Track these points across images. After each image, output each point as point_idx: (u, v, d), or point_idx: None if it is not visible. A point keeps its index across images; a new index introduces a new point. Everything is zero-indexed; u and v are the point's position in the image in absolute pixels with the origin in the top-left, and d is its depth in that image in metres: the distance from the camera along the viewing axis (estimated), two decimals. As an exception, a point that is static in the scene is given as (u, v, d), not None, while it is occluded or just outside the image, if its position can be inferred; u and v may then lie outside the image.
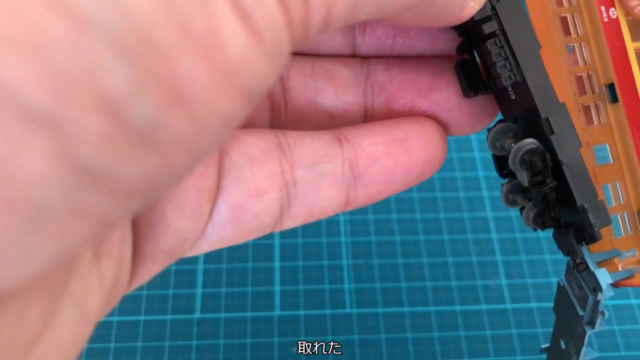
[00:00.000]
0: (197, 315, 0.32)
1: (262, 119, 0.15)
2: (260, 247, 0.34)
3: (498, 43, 0.14)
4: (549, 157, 0.14)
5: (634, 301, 0.34)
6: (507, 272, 0.34)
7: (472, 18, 0.14)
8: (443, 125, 0.16)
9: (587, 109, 0.18)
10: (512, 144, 0.14)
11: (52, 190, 0.07)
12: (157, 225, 0.13)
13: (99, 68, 0.07)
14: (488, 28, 0.14)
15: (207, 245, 0.14)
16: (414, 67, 0.16)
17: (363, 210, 0.36)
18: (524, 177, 0.14)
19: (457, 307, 0.33)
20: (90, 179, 0.08)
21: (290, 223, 0.14)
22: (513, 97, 0.15)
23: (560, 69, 0.17)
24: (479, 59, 0.15)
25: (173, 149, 0.08)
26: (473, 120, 0.16)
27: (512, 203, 0.15)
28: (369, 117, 0.16)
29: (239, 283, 0.33)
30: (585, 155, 0.17)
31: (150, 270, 0.13)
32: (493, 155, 0.16)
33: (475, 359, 0.31)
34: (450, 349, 0.32)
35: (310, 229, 0.35)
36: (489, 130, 0.15)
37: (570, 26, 0.17)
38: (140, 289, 0.33)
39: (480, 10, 0.13)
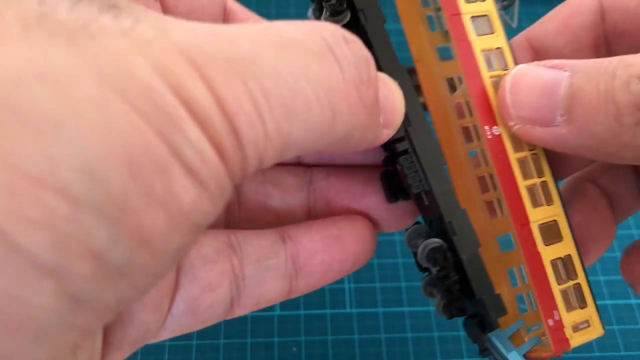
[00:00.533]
0: (197, 315, 0.32)
1: (218, 220, 0.17)
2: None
3: (410, 158, 0.17)
4: (449, 254, 0.17)
5: (633, 301, 0.34)
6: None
7: (390, 139, 0.16)
8: (373, 224, 0.18)
9: (490, 204, 0.20)
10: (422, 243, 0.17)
11: (54, 316, 0.10)
12: (123, 320, 0.15)
13: (88, 231, 0.10)
14: (401, 147, 0.17)
15: (167, 333, 0.16)
16: (349, 175, 0.19)
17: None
18: (432, 271, 0.17)
19: (457, 307, 0.33)
20: (80, 304, 0.10)
21: (239, 311, 0.17)
22: (427, 203, 0.17)
23: (465, 170, 0.20)
24: (399, 171, 0.18)
25: (139, 276, 0.11)
26: (398, 220, 0.19)
27: (429, 294, 0.18)
28: (311, 216, 0.18)
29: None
30: (490, 245, 0.20)
31: (116, 358, 0.15)
32: (413, 253, 0.18)
33: (475, 359, 0.32)
34: (450, 349, 0.32)
35: (310, 229, 0.35)
36: (406, 230, 0.18)
37: (472, 134, 0.20)
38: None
39: (396, 132, 0.16)
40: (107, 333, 0.15)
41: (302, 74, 0.12)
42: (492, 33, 0.20)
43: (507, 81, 0.19)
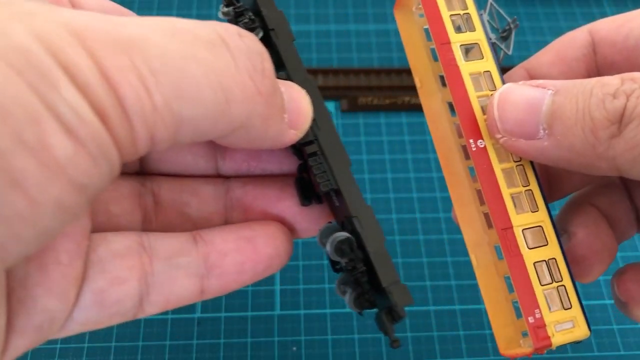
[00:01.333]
0: (197, 314, 0.32)
1: (134, 227, 0.18)
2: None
3: (318, 160, 0.18)
4: (355, 245, 0.18)
5: (633, 301, 0.34)
6: (506, 271, 0.34)
7: (299, 142, 0.17)
8: (289, 228, 0.19)
9: (487, 215, 0.21)
10: None
11: None
12: (27, 304, 0.15)
13: None
14: (310, 149, 0.18)
15: (75, 326, 0.16)
16: (265, 183, 0.20)
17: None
18: (342, 264, 0.18)
19: (457, 307, 0.33)
20: None
21: (150, 309, 0.17)
22: (337, 204, 0.19)
23: (465, 185, 0.22)
24: (310, 172, 0.19)
25: (17, 222, 0.11)
26: (313, 223, 0.19)
27: (342, 293, 0.18)
28: (228, 223, 0.19)
29: (239, 282, 0.33)
30: (488, 254, 0.22)
31: (21, 344, 0.15)
32: (326, 255, 0.19)
33: (474, 358, 0.32)
34: (449, 348, 0.32)
35: (310, 229, 0.35)
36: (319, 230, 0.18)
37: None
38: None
39: (305, 135, 0.18)
40: (10, 316, 0.15)
41: (192, 57, 0.13)
42: (482, 58, 0.22)
43: (495, 97, 0.20)
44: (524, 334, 0.21)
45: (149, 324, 0.32)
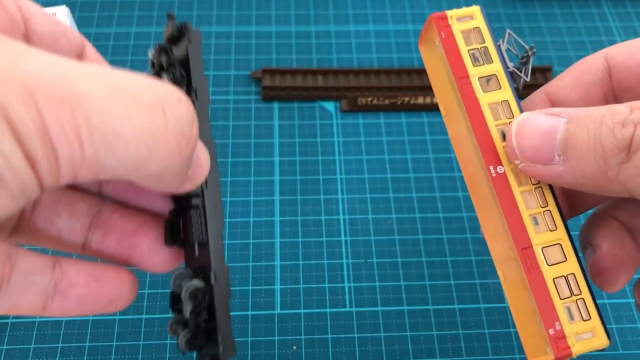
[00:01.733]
0: (198, 313, 0.32)
1: (9, 222, 0.20)
2: (261, 246, 0.35)
3: (198, 213, 0.20)
4: (207, 296, 0.19)
5: (631, 300, 0.34)
6: (505, 271, 0.34)
7: (187, 193, 0.19)
8: (139, 262, 0.21)
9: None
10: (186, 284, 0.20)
11: None
12: None
13: None
14: (195, 201, 0.20)
15: None
16: (131, 215, 0.21)
17: (363, 210, 0.36)
18: (188, 308, 0.19)
19: (456, 306, 0.33)
20: None
21: None
22: (197, 254, 0.21)
23: (490, 206, 0.24)
24: (183, 222, 0.21)
25: None
26: (162, 262, 0.21)
27: (174, 332, 0.20)
28: (87, 241, 0.21)
29: (240, 282, 0.33)
30: (513, 269, 0.23)
31: None
32: (170, 293, 0.21)
33: (474, 357, 0.32)
34: (448, 347, 0.32)
35: (310, 229, 0.35)
36: (173, 271, 0.20)
37: None
38: (142, 287, 0.34)
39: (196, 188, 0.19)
40: None
41: (128, 119, 0.15)
42: (500, 88, 0.24)
43: (513, 126, 0.22)
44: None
45: (150, 324, 0.32)
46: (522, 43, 0.27)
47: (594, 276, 0.25)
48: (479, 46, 0.25)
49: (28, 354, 0.31)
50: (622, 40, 0.45)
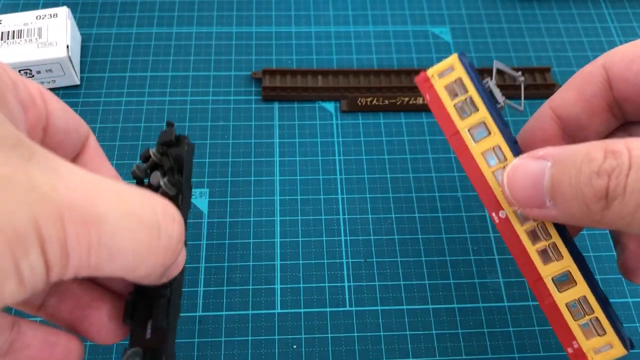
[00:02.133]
0: (199, 312, 0.32)
1: None
2: (262, 246, 0.35)
3: (164, 301, 0.22)
4: None
5: (630, 300, 0.34)
6: (504, 270, 0.35)
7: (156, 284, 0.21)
8: (86, 331, 0.22)
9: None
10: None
11: None
12: None
13: None
14: (164, 292, 0.22)
15: None
16: (89, 288, 0.23)
17: (363, 209, 0.36)
18: None
19: (455, 305, 0.33)
20: None
21: None
22: (148, 336, 0.22)
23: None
24: (140, 303, 0.23)
25: None
26: (108, 335, 0.23)
27: None
28: (44, 304, 0.22)
29: (240, 281, 0.33)
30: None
31: None
32: None
33: (473, 356, 0.32)
34: (447, 346, 0.32)
35: (310, 228, 0.35)
36: (126, 351, 0.22)
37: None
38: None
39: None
40: None
41: (131, 237, 0.17)
42: (490, 134, 0.25)
43: (505, 178, 0.23)
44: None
45: (151, 323, 0.32)
46: (510, 72, 0.28)
47: (624, 273, 0.26)
48: (463, 97, 0.25)
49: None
50: (620, 42, 0.45)
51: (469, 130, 0.25)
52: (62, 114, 0.22)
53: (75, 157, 0.24)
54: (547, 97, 0.41)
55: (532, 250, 0.25)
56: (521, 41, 0.44)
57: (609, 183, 0.20)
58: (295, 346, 0.32)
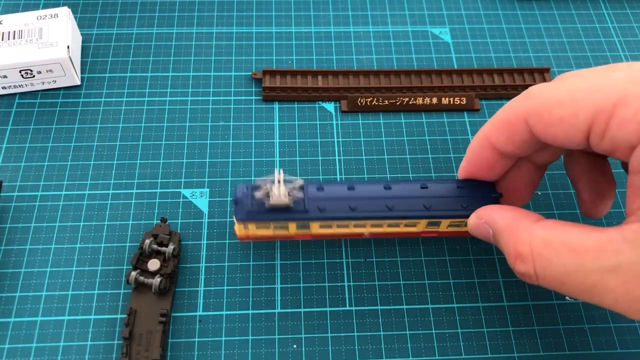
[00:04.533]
0: (199, 312, 0.32)
1: None
2: (262, 246, 0.35)
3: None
4: None
5: (630, 299, 0.34)
6: (503, 270, 0.35)
7: None
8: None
9: None
10: None
11: None
12: None
13: None
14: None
15: None
16: None
17: (362, 209, 0.36)
18: None
19: (454, 305, 0.33)
20: None
21: None
22: None
23: None
24: None
25: None
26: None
27: None
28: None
29: (240, 281, 0.34)
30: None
31: None
32: None
33: (472, 356, 0.32)
34: (447, 345, 0.32)
35: (310, 228, 0.35)
36: None
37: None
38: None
39: None
40: None
41: None
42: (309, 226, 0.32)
43: (470, 228, 0.31)
44: None
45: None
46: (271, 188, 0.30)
47: (585, 214, 0.32)
48: (272, 226, 0.32)
49: (30, 352, 0.31)
50: (619, 42, 0.45)
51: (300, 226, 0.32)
52: None
53: None
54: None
55: (403, 229, 0.32)
56: (520, 41, 0.44)
57: (533, 276, 0.26)
58: (295, 346, 0.32)
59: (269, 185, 0.29)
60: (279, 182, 0.29)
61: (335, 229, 0.32)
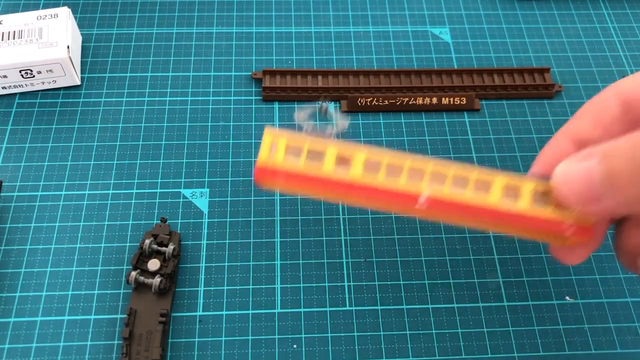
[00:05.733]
0: (199, 312, 0.33)
1: None
2: (262, 246, 0.35)
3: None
4: None
5: (630, 299, 0.34)
6: (503, 270, 0.35)
7: None
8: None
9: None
10: None
11: None
12: None
13: None
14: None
15: None
16: None
17: (362, 209, 0.36)
18: None
19: (455, 305, 0.33)
20: None
21: None
22: None
23: None
24: None
25: None
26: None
27: None
28: None
29: (241, 280, 0.34)
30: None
31: None
32: None
33: (472, 356, 0.32)
34: (447, 345, 0.32)
35: (310, 228, 0.35)
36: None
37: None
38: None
39: None
40: None
41: None
42: (349, 165, 0.24)
43: (557, 183, 0.24)
44: None
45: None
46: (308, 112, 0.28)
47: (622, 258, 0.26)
48: (305, 151, 0.24)
49: (30, 352, 0.31)
50: (619, 42, 0.45)
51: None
52: None
53: None
54: (546, 97, 0.41)
55: (490, 198, 0.24)
56: (520, 41, 0.44)
57: None
58: (295, 346, 0.32)
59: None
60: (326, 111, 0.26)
61: (382, 181, 0.24)
